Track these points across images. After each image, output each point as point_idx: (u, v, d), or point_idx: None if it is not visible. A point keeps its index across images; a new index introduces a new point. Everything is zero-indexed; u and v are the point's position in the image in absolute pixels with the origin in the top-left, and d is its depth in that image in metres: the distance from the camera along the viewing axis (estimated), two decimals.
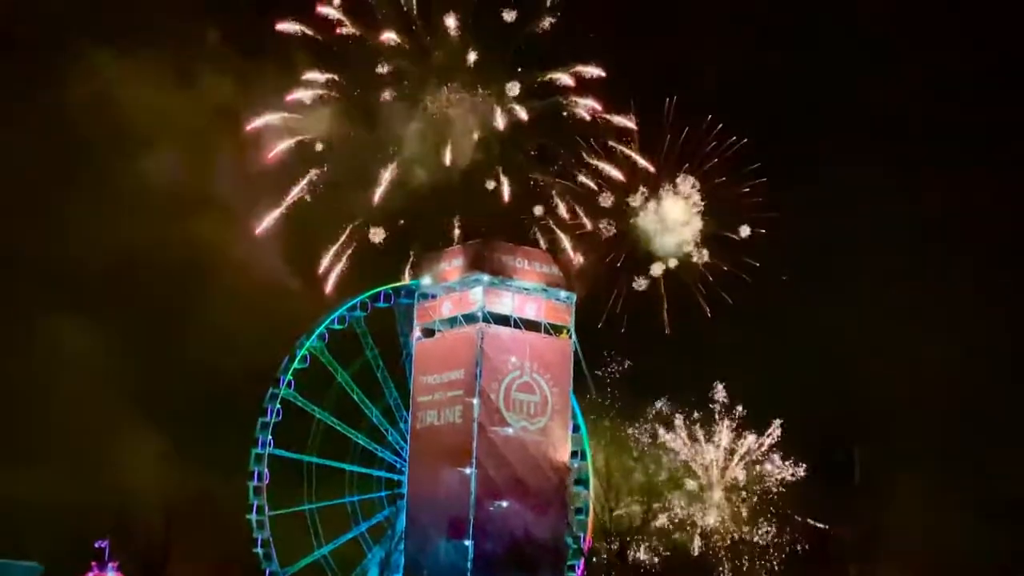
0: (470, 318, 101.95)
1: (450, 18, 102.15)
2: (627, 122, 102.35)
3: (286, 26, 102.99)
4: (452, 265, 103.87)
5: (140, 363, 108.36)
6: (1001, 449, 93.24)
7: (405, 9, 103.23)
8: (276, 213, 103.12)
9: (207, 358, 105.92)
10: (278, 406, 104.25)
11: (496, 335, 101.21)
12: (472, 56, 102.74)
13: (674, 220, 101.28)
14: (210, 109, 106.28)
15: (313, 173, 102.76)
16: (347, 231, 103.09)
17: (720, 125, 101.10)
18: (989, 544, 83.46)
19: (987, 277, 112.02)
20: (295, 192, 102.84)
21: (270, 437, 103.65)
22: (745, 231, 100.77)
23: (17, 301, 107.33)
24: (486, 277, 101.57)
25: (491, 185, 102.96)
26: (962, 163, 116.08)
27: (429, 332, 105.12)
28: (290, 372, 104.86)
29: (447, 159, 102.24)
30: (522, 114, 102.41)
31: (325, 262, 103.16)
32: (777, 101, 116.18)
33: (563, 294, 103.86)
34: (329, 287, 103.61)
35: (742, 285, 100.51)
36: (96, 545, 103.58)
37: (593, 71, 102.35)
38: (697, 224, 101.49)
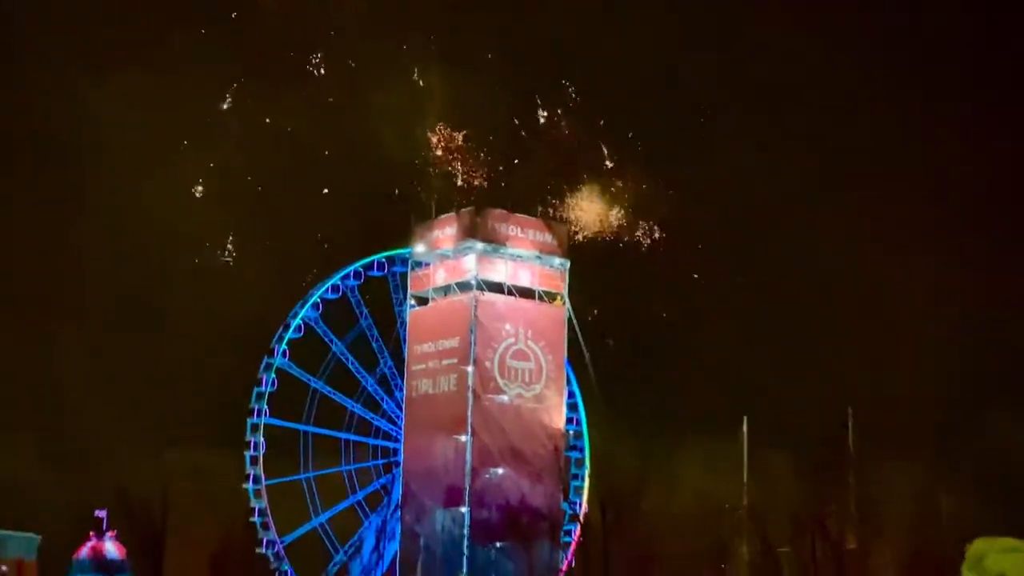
0: (464, 286, 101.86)
1: None
2: None
3: None
4: (445, 233, 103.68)
5: (133, 336, 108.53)
6: (996, 423, 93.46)
7: None
8: None
9: (201, 328, 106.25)
10: (273, 376, 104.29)
11: (490, 303, 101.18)
12: None
13: None
14: None
15: None
16: None
17: None
18: (983, 518, 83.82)
19: (982, 245, 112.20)
20: None
21: (266, 407, 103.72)
22: None
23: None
24: (479, 245, 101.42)
25: None
26: None
27: (423, 300, 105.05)
28: (284, 342, 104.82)
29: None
30: None
31: None
32: None
33: (557, 261, 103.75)
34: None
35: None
36: (95, 515, 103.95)
37: None
38: None
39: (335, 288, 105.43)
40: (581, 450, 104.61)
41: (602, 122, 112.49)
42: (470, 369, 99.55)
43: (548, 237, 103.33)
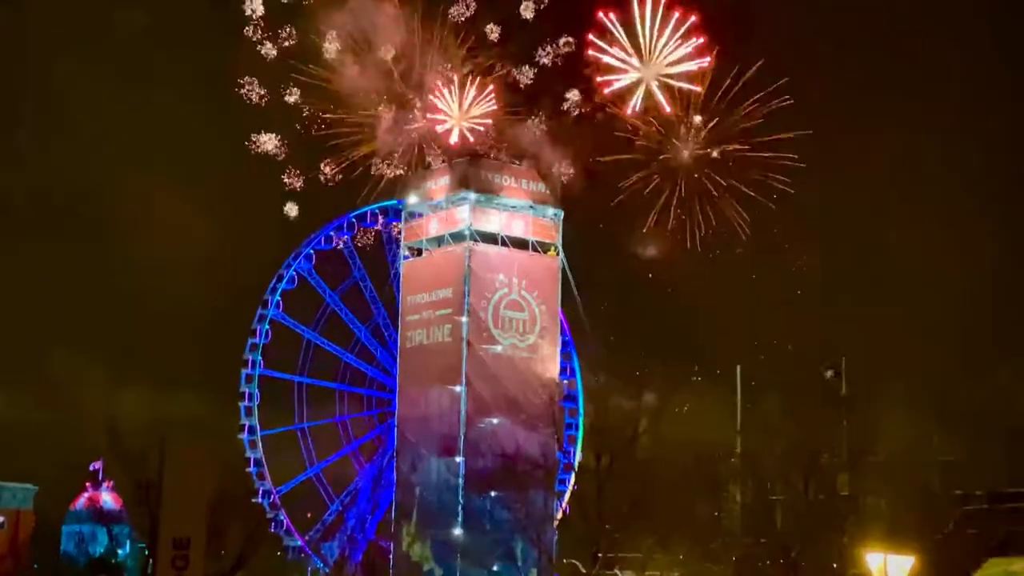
0: (457, 236, 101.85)
1: None
2: None
3: None
4: (438, 184, 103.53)
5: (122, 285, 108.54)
6: (989, 364, 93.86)
7: None
8: None
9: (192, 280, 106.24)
10: (267, 327, 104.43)
11: (484, 253, 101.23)
12: None
13: None
14: None
15: None
16: None
17: None
18: (976, 460, 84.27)
19: (980, 183, 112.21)
20: None
21: (260, 358, 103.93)
22: None
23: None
24: (472, 195, 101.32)
25: None
26: None
27: (416, 251, 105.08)
28: (278, 293, 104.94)
29: None
30: None
31: None
32: None
33: (551, 211, 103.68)
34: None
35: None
36: (91, 467, 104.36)
37: None
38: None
39: (328, 239, 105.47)
40: (575, 399, 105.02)
41: None
42: (464, 319, 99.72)
43: (542, 187, 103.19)
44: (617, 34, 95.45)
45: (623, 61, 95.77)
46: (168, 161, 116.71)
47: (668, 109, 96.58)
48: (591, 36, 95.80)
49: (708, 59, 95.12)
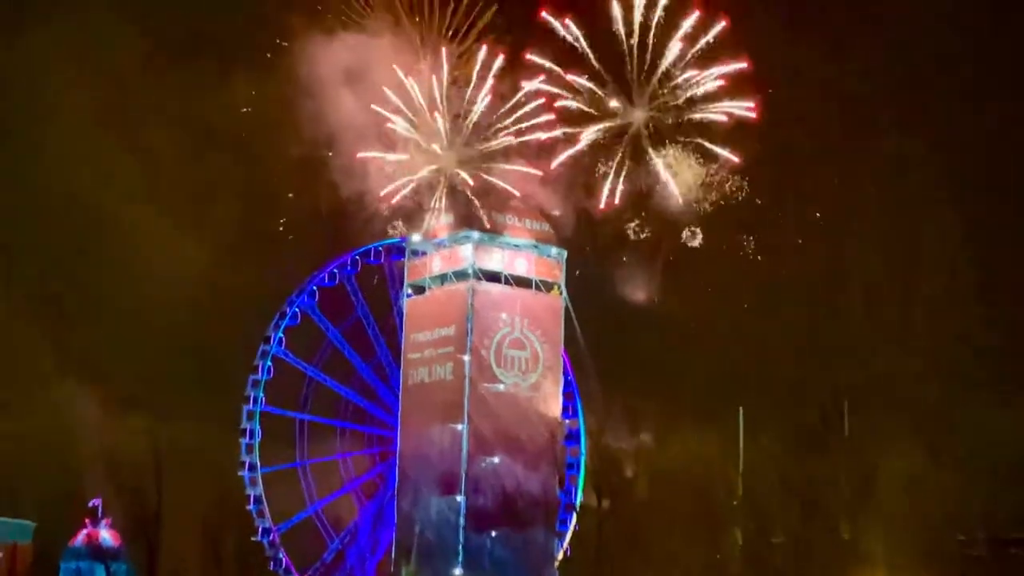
0: (460, 275, 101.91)
1: None
2: None
3: None
4: (442, 222, 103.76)
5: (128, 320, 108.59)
6: (989, 409, 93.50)
7: None
8: None
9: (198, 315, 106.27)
10: (269, 363, 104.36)
11: (487, 292, 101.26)
12: None
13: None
14: None
15: None
16: None
17: None
18: (976, 504, 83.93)
19: (979, 225, 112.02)
20: None
21: (262, 394, 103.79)
22: None
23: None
24: (476, 234, 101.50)
25: None
26: None
27: (419, 289, 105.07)
28: (281, 329, 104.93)
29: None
30: None
31: None
32: None
33: (553, 250, 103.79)
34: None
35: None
36: (90, 504, 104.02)
37: None
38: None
39: (331, 276, 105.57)
40: (577, 438, 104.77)
41: None
42: (466, 358, 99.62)
43: (545, 226, 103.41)
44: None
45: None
46: (169, 190, 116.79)
47: None
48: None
49: None
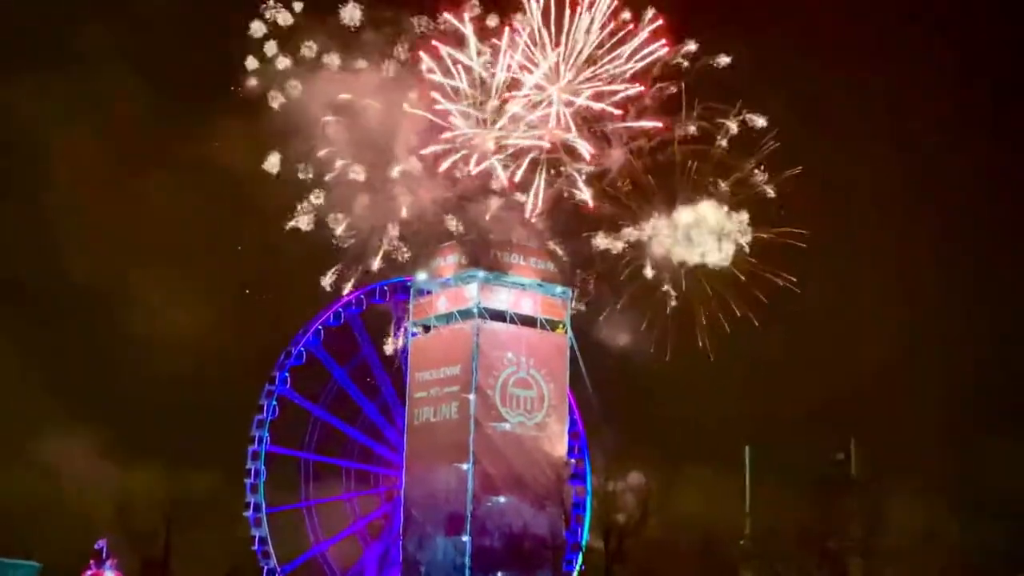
0: (466, 314, 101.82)
1: None
2: None
3: None
4: (447, 261, 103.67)
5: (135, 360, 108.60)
6: (998, 447, 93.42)
7: None
8: None
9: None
10: (274, 403, 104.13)
11: (492, 331, 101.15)
12: None
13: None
14: None
15: None
16: None
17: None
18: (987, 542, 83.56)
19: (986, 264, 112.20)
20: None
21: (267, 434, 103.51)
22: None
23: None
24: (481, 273, 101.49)
25: None
26: None
27: (425, 328, 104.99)
28: (286, 369, 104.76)
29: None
30: None
31: None
32: None
33: (559, 289, 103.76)
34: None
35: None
36: (96, 546, 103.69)
37: None
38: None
39: (337, 315, 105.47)
40: (583, 478, 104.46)
41: None
42: (472, 397, 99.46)
43: (550, 265, 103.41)
44: None
45: None
46: (173, 236, 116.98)
47: None
48: None
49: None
